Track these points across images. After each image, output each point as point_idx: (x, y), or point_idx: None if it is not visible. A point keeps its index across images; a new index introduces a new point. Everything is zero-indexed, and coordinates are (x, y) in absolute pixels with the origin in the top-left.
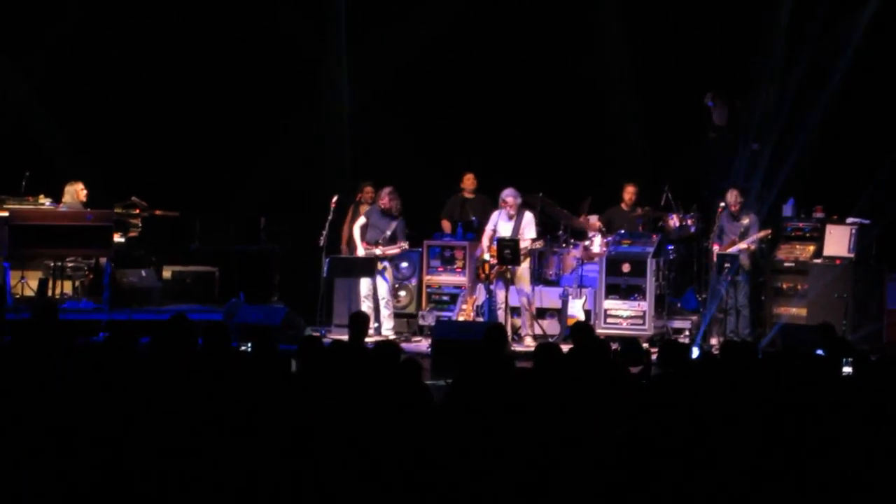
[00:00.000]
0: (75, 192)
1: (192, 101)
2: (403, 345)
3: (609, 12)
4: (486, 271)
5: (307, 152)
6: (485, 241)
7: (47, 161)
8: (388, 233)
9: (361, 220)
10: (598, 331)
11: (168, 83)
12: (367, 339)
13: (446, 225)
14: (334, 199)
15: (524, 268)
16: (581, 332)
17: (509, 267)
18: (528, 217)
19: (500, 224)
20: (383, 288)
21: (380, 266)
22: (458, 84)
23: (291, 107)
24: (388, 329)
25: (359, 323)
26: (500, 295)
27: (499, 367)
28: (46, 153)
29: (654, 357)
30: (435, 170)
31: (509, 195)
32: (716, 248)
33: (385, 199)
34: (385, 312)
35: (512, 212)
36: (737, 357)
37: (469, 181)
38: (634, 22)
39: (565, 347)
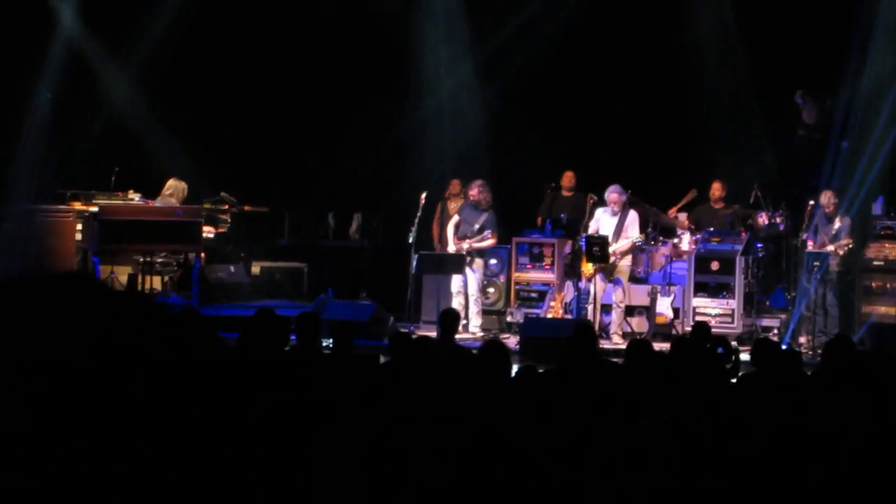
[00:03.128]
0: (181, 190)
1: (281, 95)
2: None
3: (701, 11)
4: (584, 266)
5: (397, 149)
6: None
7: (137, 157)
8: (477, 226)
9: (455, 218)
10: (687, 329)
11: (257, 75)
12: (457, 336)
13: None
14: (423, 195)
15: (625, 264)
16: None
17: (608, 263)
18: (633, 216)
19: (603, 221)
20: (473, 284)
21: (469, 261)
22: (554, 81)
23: (382, 102)
24: (476, 326)
25: (449, 320)
26: (594, 291)
27: (587, 363)
28: (136, 149)
29: (742, 356)
30: (531, 167)
31: (613, 192)
32: (810, 245)
33: (475, 191)
34: (474, 309)
35: (616, 209)
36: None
37: (567, 179)
38: (725, 19)
39: (655, 345)
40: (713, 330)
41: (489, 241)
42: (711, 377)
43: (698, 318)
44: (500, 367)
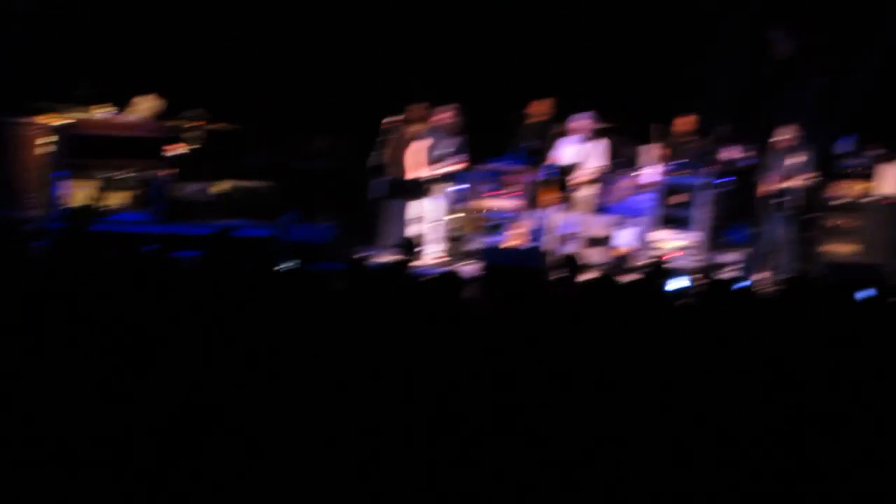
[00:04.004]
0: (153, 107)
1: (252, 12)
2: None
3: None
4: (546, 196)
5: (363, 70)
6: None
7: (109, 70)
8: (452, 149)
9: (427, 142)
10: (646, 261)
11: None
12: (416, 263)
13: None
14: (387, 119)
15: (585, 194)
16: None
17: (570, 193)
18: (595, 146)
19: (566, 149)
20: (435, 210)
21: (434, 186)
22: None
23: (351, 24)
24: (435, 252)
25: (408, 247)
26: (555, 220)
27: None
28: (108, 62)
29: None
30: (502, 94)
31: (577, 120)
32: (767, 181)
33: (449, 115)
34: (434, 236)
35: (579, 138)
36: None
37: (542, 106)
38: None
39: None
40: (674, 264)
41: (457, 165)
42: (665, 313)
43: (659, 252)
44: (456, 296)
